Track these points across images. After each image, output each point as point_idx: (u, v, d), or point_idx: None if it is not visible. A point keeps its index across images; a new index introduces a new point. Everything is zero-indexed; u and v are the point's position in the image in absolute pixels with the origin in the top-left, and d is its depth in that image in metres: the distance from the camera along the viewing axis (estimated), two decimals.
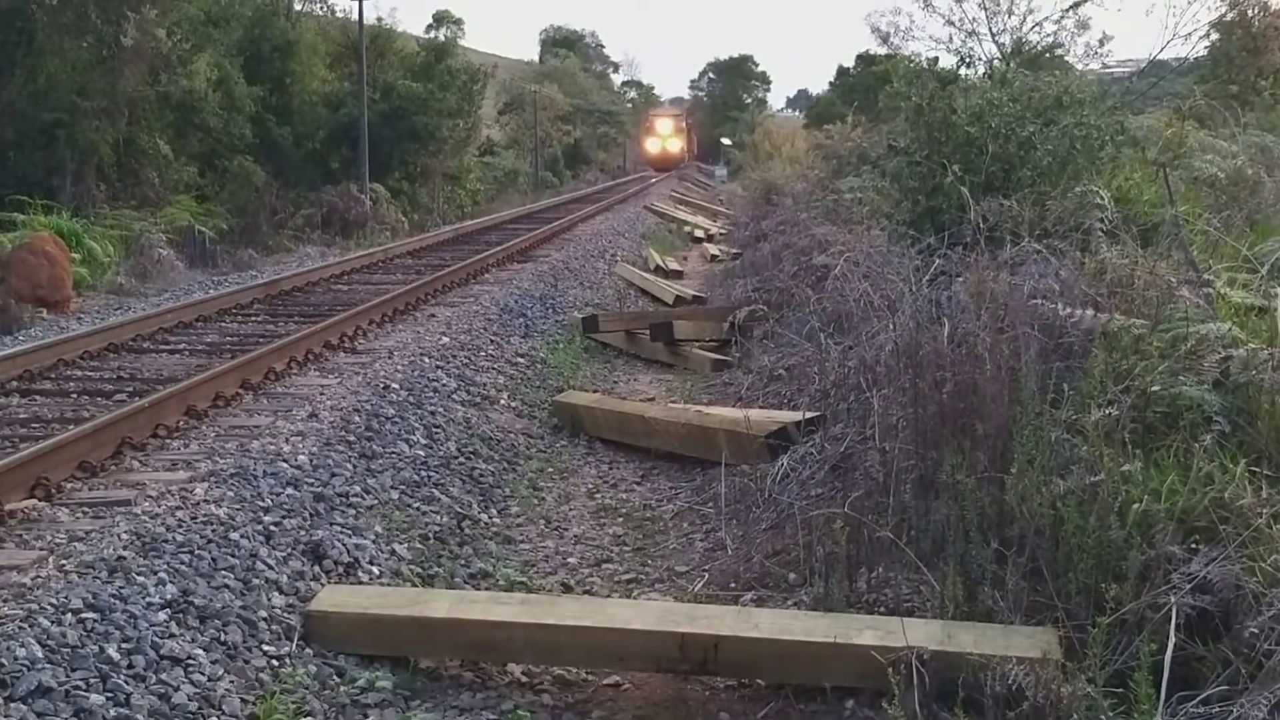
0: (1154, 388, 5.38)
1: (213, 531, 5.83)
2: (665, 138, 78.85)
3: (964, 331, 6.36)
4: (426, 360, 10.49)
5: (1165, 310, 6.19)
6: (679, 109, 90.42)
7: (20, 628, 4.52)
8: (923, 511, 5.65)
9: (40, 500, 6.18)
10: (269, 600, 5.41)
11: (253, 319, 13.00)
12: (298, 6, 34.11)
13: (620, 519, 7.81)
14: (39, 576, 5.09)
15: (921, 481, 5.86)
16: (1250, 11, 30.12)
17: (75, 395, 8.93)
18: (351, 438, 7.91)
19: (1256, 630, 3.98)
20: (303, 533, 6.19)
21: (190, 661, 4.71)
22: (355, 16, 31.14)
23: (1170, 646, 4.01)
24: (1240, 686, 3.90)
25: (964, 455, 5.47)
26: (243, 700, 4.66)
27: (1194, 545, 4.42)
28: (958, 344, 6.31)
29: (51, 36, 20.46)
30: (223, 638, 4.98)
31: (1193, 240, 7.78)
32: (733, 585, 6.29)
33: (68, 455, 6.67)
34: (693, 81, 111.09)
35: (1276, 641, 3.89)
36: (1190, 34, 31.63)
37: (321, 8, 35.93)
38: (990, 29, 34.70)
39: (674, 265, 21.73)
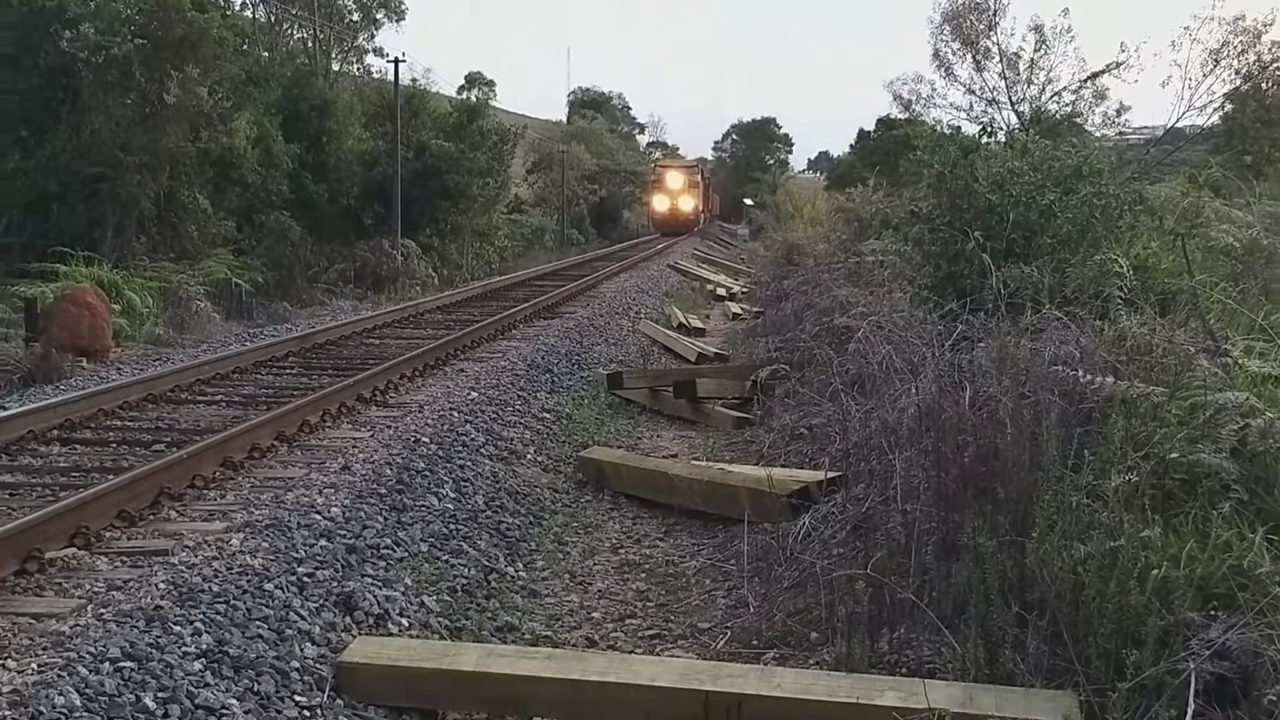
0: (1173, 455, 5.37)
1: (248, 582, 5.86)
2: (676, 194, 64.62)
3: (986, 396, 6.36)
4: (456, 415, 10.53)
5: (1183, 378, 6.18)
6: (693, 161, 76.56)
7: (59, 676, 4.54)
8: (944, 573, 5.63)
9: (80, 549, 6.22)
10: (301, 651, 5.43)
11: (287, 371, 13.08)
12: (335, 68, 34.63)
13: (644, 574, 7.80)
14: (78, 625, 5.12)
15: (943, 544, 5.84)
16: (1265, 85, 30.26)
17: (114, 445, 9.00)
18: (383, 490, 7.94)
19: (1275, 698, 3.96)
20: (335, 584, 6.21)
21: (224, 711, 4.72)
22: (391, 78, 31.57)
23: (1190, 712, 3.98)
24: None
25: (985, 518, 5.47)
26: None
27: (1213, 612, 4.40)
28: (979, 408, 6.31)
29: (96, 93, 20.72)
30: (256, 688, 5.00)
31: (1210, 309, 7.78)
32: (755, 643, 6.26)
33: (107, 505, 6.72)
34: (716, 143, 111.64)
35: None
36: (1205, 105, 31.84)
37: (358, 69, 36.43)
38: (1010, 98, 35.08)
39: (696, 323, 21.80)
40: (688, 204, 64.89)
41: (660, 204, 64.73)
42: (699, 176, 68.67)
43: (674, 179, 65.14)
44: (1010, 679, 4.79)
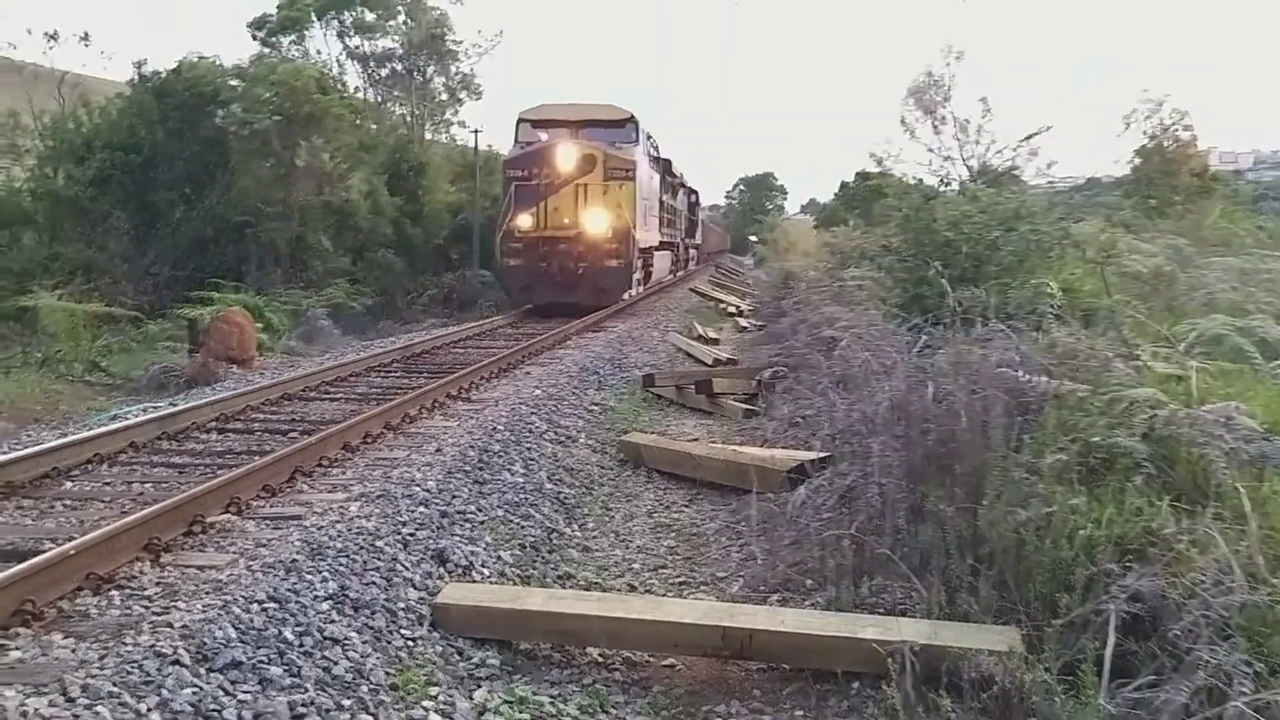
0: (1095, 439, 5.32)
1: (364, 540, 5.88)
2: (568, 187, 19.76)
3: (945, 392, 6.31)
4: (524, 408, 10.52)
5: (1103, 378, 6.12)
6: (625, 114, 21.22)
7: (218, 614, 4.58)
8: (912, 533, 5.60)
9: (233, 515, 6.27)
10: (406, 594, 5.45)
11: (392, 374, 13.10)
12: (428, 136, 34.88)
13: (673, 534, 7.78)
14: (233, 574, 5.16)
15: (911, 510, 5.80)
16: (1165, 142, 29.99)
17: (259, 433, 9.05)
18: (468, 468, 7.94)
19: (1178, 632, 3.92)
20: (431, 542, 6.23)
21: (347, 641, 4.75)
22: (471, 145, 31.87)
23: (1110, 644, 3.95)
24: (1165, 677, 3.83)
25: (945, 489, 5.44)
26: (386, 672, 4.69)
27: (1128, 564, 4.36)
28: (940, 401, 6.26)
29: (243, 158, 21.01)
30: (371, 623, 5.02)
31: (1123, 323, 7.70)
32: (762, 588, 6.25)
33: (254, 480, 6.76)
34: (727, 192, 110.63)
35: (1194, 641, 3.82)
36: (1118, 160, 31.58)
37: (446, 137, 36.73)
38: (962, 155, 34.69)
39: (712, 334, 21.66)
40: (599, 222, 20.28)
41: (525, 221, 20.12)
42: (637, 150, 21.47)
43: (565, 155, 20.00)
44: (966, 617, 4.77)
